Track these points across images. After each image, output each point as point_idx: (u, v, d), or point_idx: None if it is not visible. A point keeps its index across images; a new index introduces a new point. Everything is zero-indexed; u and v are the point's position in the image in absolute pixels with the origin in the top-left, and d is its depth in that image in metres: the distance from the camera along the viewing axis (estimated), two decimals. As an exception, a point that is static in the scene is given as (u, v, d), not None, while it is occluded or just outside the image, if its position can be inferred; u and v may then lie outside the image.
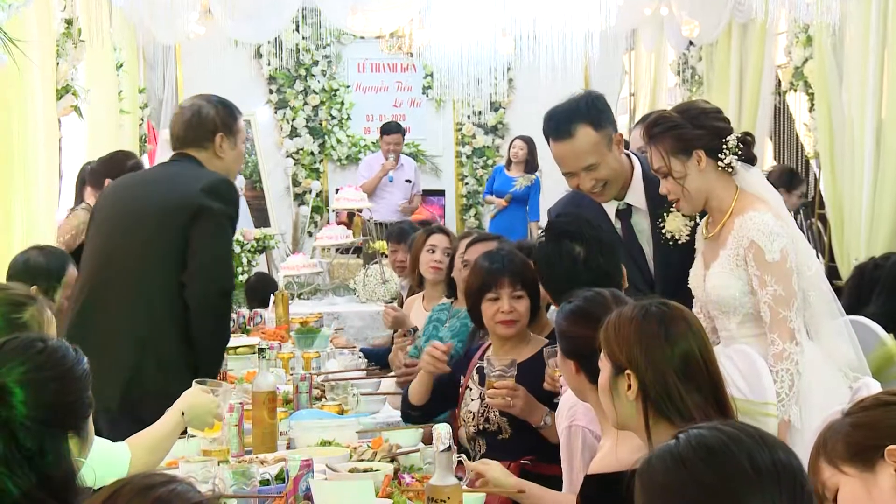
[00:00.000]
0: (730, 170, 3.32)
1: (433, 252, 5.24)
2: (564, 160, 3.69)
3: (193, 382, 3.23)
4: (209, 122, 4.05)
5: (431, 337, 4.72)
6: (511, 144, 10.46)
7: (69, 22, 5.33)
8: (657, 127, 3.37)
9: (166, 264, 3.83)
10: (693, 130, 3.32)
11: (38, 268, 4.23)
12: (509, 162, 10.40)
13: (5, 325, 2.76)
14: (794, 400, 3.19)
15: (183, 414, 3.09)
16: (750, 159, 3.38)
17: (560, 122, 3.66)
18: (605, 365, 2.42)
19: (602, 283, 3.07)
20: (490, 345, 3.93)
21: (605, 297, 2.79)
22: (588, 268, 3.24)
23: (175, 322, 3.83)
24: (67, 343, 2.10)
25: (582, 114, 3.64)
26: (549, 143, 3.73)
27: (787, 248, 3.24)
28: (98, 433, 3.30)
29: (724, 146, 3.31)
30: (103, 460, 2.79)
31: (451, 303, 4.90)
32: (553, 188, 10.10)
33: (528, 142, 10.27)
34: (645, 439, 2.35)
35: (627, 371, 2.35)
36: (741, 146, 3.34)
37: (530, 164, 10.23)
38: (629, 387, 2.35)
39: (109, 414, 3.58)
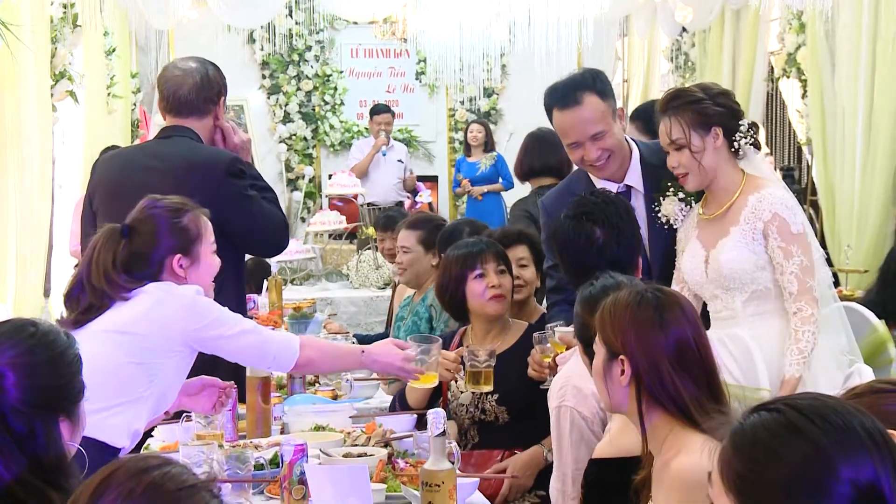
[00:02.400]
0: (741, 152, 3.36)
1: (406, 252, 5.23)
2: (571, 129, 3.64)
3: (408, 339, 3.37)
4: (215, 84, 3.97)
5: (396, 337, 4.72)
6: (468, 129, 10.48)
7: (66, 6, 5.31)
8: (678, 99, 3.38)
9: None
10: (714, 107, 3.34)
11: None
12: (468, 148, 10.41)
13: (169, 229, 3.03)
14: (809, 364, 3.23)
15: (363, 352, 3.25)
16: (757, 146, 3.42)
17: (567, 91, 3.64)
18: (599, 349, 2.43)
19: (611, 270, 3.07)
20: (465, 331, 3.92)
21: (620, 287, 2.78)
22: (601, 254, 3.21)
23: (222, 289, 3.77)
24: (59, 328, 2.10)
25: (588, 84, 3.63)
26: (551, 116, 3.69)
27: (806, 222, 3.30)
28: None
29: (739, 128, 3.35)
30: (274, 344, 3.10)
31: (413, 295, 4.89)
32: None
33: (485, 125, 10.46)
34: (638, 424, 2.36)
35: (621, 356, 2.35)
36: (752, 131, 3.38)
37: (488, 146, 10.27)
38: (622, 372, 2.35)
39: None
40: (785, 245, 3.26)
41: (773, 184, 3.37)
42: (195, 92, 3.92)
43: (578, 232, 3.25)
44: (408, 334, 4.58)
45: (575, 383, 2.92)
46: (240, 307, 3.90)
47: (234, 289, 3.89)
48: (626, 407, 2.37)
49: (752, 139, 3.38)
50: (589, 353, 2.81)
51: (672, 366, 2.30)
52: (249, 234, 3.89)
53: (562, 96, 3.64)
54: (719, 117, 3.35)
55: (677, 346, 2.31)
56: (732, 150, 3.36)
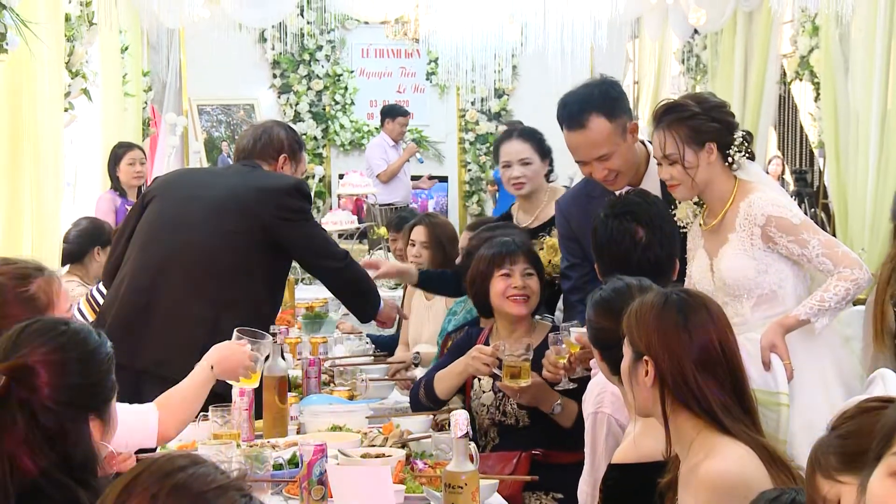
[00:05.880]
0: (735, 165, 3.36)
1: (413, 246, 5.28)
2: (577, 149, 3.70)
3: (234, 332, 3.28)
4: (277, 141, 4.16)
5: (444, 329, 4.72)
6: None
7: (84, 4, 5.33)
8: (673, 113, 3.37)
9: (240, 250, 3.90)
10: (709, 123, 3.34)
11: None
12: None
13: (13, 300, 2.66)
14: (831, 314, 3.22)
15: (212, 368, 3.11)
16: (751, 156, 3.43)
17: (573, 112, 3.65)
18: (626, 350, 2.44)
19: (652, 270, 3.08)
20: (492, 328, 3.91)
21: (631, 291, 2.78)
22: (644, 255, 3.22)
23: (248, 300, 3.88)
24: (90, 327, 2.10)
25: (596, 103, 3.63)
26: (562, 129, 3.73)
27: (803, 214, 3.31)
28: None
29: (733, 142, 3.35)
30: (130, 424, 2.79)
31: None
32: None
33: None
34: (663, 425, 2.36)
35: (646, 357, 2.36)
36: (745, 143, 3.39)
37: None
38: (647, 373, 2.35)
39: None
40: (795, 237, 3.27)
41: (762, 187, 3.38)
42: (253, 142, 4.15)
43: (622, 231, 3.25)
44: (456, 328, 4.56)
45: (613, 390, 2.92)
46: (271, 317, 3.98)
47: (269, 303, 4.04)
48: (651, 408, 2.38)
49: (747, 151, 3.39)
50: (605, 358, 2.82)
51: (696, 368, 2.30)
52: (304, 255, 4.07)
53: (569, 116, 3.67)
54: (714, 133, 3.34)
55: (701, 348, 2.31)
56: (727, 162, 3.37)
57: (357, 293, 4.24)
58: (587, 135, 3.62)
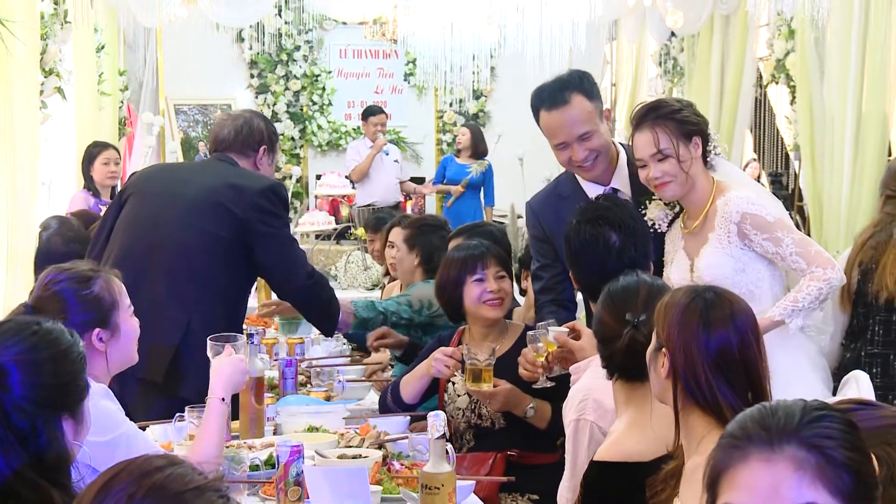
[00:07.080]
0: (711, 162, 3.40)
1: (393, 247, 5.25)
2: (559, 129, 3.63)
3: (208, 343, 3.23)
4: (258, 132, 4.15)
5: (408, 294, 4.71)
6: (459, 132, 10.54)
7: (57, 2, 5.30)
8: (658, 111, 3.39)
9: (216, 250, 3.88)
10: (694, 117, 3.37)
11: None
12: (458, 150, 10.46)
13: (79, 303, 2.70)
14: (805, 314, 3.24)
15: (223, 399, 3.03)
16: (723, 154, 3.48)
17: (554, 91, 3.63)
18: (653, 337, 2.46)
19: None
20: (463, 331, 3.92)
21: (640, 289, 2.78)
22: (619, 258, 3.22)
23: (220, 300, 3.88)
24: (63, 326, 2.09)
25: (575, 84, 3.63)
26: (538, 117, 3.68)
27: (782, 212, 3.35)
28: (138, 405, 3.41)
29: (710, 137, 3.39)
30: None
31: None
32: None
33: (472, 129, 10.44)
34: (674, 416, 2.36)
35: (664, 349, 2.37)
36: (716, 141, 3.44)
37: (476, 151, 10.25)
38: (663, 364, 2.37)
39: (155, 386, 3.70)
40: (769, 234, 3.30)
41: (737, 185, 3.42)
42: (234, 133, 4.12)
43: (595, 237, 3.24)
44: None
45: (596, 397, 2.91)
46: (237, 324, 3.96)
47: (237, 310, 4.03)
48: (666, 398, 2.38)
49: (718, 148, 3.44)
50: (600, 350, 2.81)
51: (710, 368, 2.30)
52: (268, 266, 3.98)
53: (549, 96, 3.63)
54: (698, 126, 3.39)
55: (718, 350, 2.31)
56: (707, 160, 3.40)
57: (320, 311, 4.22)
58: (570, 111, 3.59)
